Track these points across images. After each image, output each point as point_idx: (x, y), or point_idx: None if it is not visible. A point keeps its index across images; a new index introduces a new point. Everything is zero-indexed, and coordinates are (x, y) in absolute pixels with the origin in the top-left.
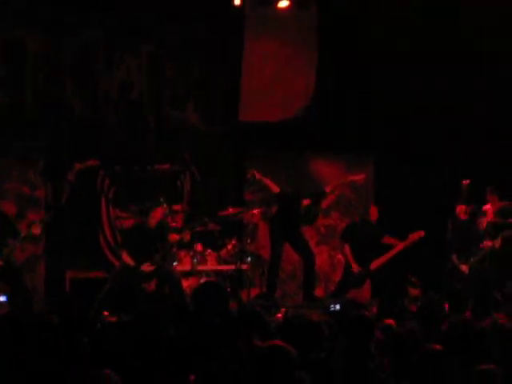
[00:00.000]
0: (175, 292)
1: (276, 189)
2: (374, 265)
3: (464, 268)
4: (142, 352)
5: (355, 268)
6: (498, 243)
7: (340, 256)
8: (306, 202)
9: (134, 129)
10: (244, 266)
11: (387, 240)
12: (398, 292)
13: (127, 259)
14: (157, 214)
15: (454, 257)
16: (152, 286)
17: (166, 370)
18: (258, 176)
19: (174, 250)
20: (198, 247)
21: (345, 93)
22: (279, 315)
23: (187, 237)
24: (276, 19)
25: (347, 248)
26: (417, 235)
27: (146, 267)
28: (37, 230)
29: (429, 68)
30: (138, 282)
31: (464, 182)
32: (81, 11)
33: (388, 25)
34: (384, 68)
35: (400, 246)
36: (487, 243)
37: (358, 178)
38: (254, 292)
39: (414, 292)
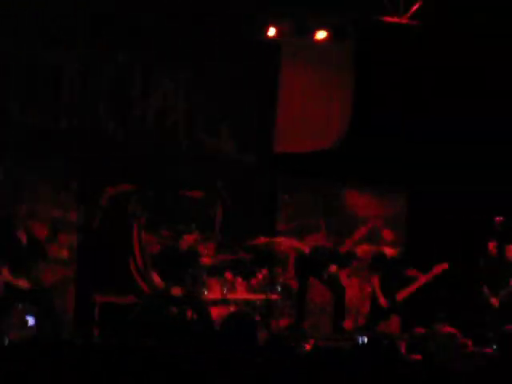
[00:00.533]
0: (202, 319)
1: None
2: (400, 296)
3: (494, 301)
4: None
5: (382, 301)
6: None
7: (370, 288)
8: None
9: (168, 154)
10: (274, 296)
11: (410, 273)
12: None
13: (157, 281)
14: (188, 240)
15: (486, 289)
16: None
17: None
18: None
19: (205, 277)
20: (228, 275)
21: (381, 124)
22: (308, 346)
23: (218, 262)
24: (312, 49)
25: (376, 280)
26: (440, 268)
27: (175, 291)
28: (65, 253)
29: (465, 102)
30: (167, 306)
31: (497, 218)
32: (117, 35)
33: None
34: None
35: (423, 279)
36: None
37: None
38: (284, 322)
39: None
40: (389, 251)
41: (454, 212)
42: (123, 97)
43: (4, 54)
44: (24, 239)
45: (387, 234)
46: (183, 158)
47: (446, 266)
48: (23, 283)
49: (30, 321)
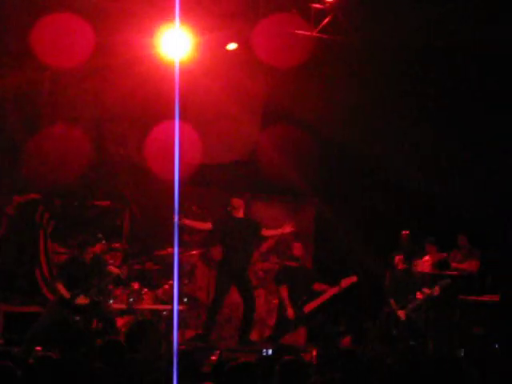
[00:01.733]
0: (108, 329)
1: (207, 225)
2: (307, 308)
3: (401, 314)
4: None
5: (290, 312)
6: (436, 291)
7: (276, 301)
8: None
9: (75, 164)
10: (180, 307)
11: (317, 287)
12: (331, 339)
13: (62, 291)
14: (95, 251)
15: (392, 302)
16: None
17: None
18: (186, 221)
19: (111, 286)
20: (135, 286)
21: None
22: (213, 357)
23: (125, 272)
24: (224, 60)
25: (284, 291)
26: (349, 280)
27: (81, 301)
28: None
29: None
30: (72, 315)
31: (404, 232)
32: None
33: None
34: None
35: (332, 291)
36: (425, 291)
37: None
38: (189, 334)
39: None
40: (293, 264)
41: (363, 224)
42: (32, 105)
43: None
44: None
45: (297, 248)
46: (92, 168)
47: (354, 279)
48: None
49: None
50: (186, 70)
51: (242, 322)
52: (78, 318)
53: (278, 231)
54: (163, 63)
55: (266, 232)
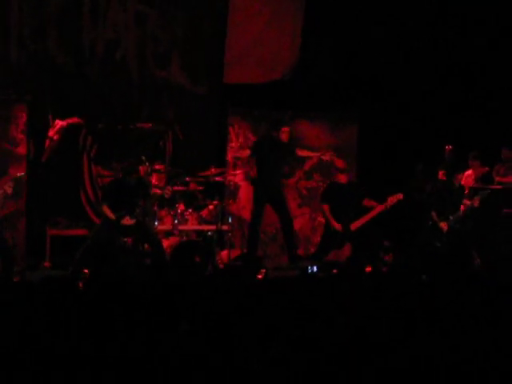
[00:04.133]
0: (155, 249)
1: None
2: (354, 226)
3: (443, 225)
4: (121, 308)
5: (337, 226)
6: (476, 202)
7: (321, 218)
8: None
9: (118, 86)
10: (225, 227)
11: (367, 202)
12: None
13: (108, 212)
14: (139, 172)
15: (434, 214)
16: (131, 241)
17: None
18: None
19: (155, 208)
20: (180, 207)
21: (331, 53)
22: (259, 276)
23: (169, 192)
24: None
25: (326, 208)
26: (395, 198)
27: (127, 222)
28: (9, 190)
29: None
30: (118, 236)
31: (447, 147)
32: None
33: None
34: (371, 26)
35: (379, 208)
36: (466, 202)
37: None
38: (235, 253)
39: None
40: (342, 178)
41: (405, 141)
42: (73, 27)
43: None
44: None
45: (339, 163)
46: (133, 90)
47: (400, 196)
48: None
49: None
50: None
51: (285, 240)
52: (124, 239)
53: (315, 154)
54: None
55: (300, 152)
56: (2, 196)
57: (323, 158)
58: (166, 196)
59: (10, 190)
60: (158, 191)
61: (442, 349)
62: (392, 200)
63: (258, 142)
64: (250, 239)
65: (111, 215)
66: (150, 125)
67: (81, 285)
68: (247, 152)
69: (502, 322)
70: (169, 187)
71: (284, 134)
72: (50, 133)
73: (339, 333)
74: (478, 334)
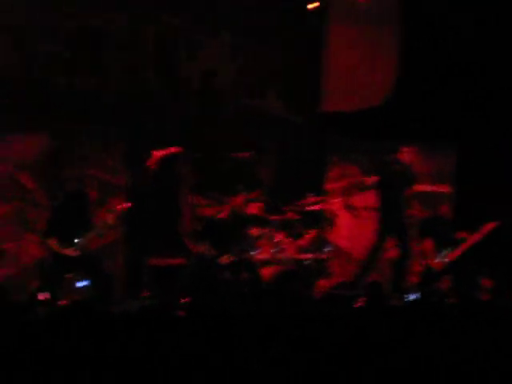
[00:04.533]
0: (254, 278)
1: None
2: (451, 257)
3: None
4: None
5: (436, 264)
6: None
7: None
8: None
9: (214, 116)
10: (323, 256)
11: (459, 234)
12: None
13: (206, 250)
14: (236, 202)
15: None
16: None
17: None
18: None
19: (254, 238)
20: (278, 236)
21: (429, 79)
22: (359, 304)
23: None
24: (358, 4)
25: (428, 242)
26: (490, 227)
27: (224, 260)
28: (111, 220)
29: None
30: (217, 270)
31: None
32: None
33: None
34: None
35: (473, 239)
36: None
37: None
38: (333, 281)
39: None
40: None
41: (504, 168)
42: (169, 60)
43: (51, 17)
44: (72, 206)
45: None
46: (230, 120)
47: (494, 224)
48: (70, 252)
49: (81, 286)
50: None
51: (395, 270)
52: (221, 275)
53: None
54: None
55: (419, 187)
56: (102, 226)
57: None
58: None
59: (111, 221)
60: (255, 232)
61: None
62: (487, 229)
63: (380, 167)
64: (362, 271)
65: (209, 253)
66: (248, 154)
67: (181, 313)
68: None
69: None
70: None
71: (404, 155)
72: (149, 162)
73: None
74: None
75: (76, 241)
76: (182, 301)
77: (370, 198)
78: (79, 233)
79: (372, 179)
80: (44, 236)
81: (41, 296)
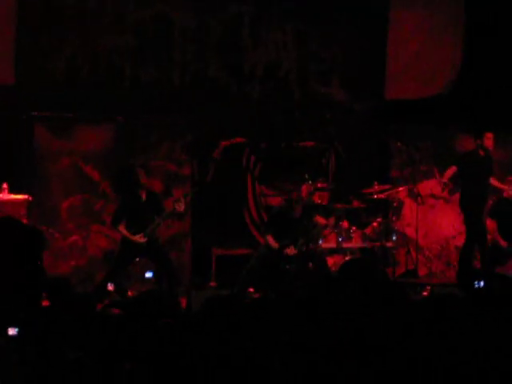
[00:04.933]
0: (320, 269)
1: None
2: None
3: None
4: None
5: (503, 243)
6: None
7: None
8: None
9: (279, 105)
10: (389, 244)
11: None
12: None
13: (271, 241)
14: (302, 192)
15: None
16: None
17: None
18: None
19: (320, 228)
20: (344, 224)
21: (492, 64)
22: (425, 293)
23: (332, 222)
24: None
25: (492, 224)
26: None
27: (290, 251)
28: (180, 207)
29: None
30: (282, 262)
31: None
32: None
33: None
34: None
35: None
36: None
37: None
38: (399, 270)
39: None
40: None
41: None
42: (233, 49)
43: (116, 10)
44: (142, 195)
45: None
46: (295, 108)
47: None
48: (140, 239)
49: (148, 274)
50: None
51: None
52: (287, 266)
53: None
54: None
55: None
56: (169, 215)
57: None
58: (330, 226)
59: (181, 208)
60: (322, 221)
61: None
62: None
63: (463, 156)
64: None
65: (275, 245)
66: (313, 143)
67: (247, 302)
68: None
69: None
70: (332, 219)
71: (488, 141)
72: (215, 153)
73: None
74: None
75: (145, 228)
76: (250, 291)
77: (435, 186)
78: (148, 220)
79: (451, 170)
80: (113, 223)
81: (110, 287)
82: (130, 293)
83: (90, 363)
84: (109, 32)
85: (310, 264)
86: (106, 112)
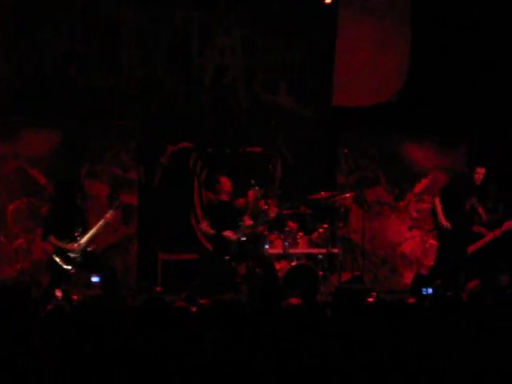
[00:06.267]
0: (268, 273)
1: None
2: (469, 251)
3: None
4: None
5: (445, 223)
6: None
7: (432, 241)
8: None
9: (226, 111)
10: (335, 250)
11: (476, 229)
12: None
13: (207, 228)
14: (249, 197)
15: None
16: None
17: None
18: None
19: (266, 232)
20: (290, 230)
21: (438, 73)
22: (371, 299)
23: (272, 214)
24: (370, 1)
25: (439, 203)
26: (509, 224)
27: (228, 234)
28: (109, 217)
29: None
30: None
31: None
32: None
33: None
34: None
35: (492, 234)
36: None
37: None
38: (345, 276)
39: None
40: None
41: None
42: (181, 54)
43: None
44: (78, 201)
45: None
46: (242, 114)
47: None
48: (72, 247)
49: (95, 279)
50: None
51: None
52: (227, 257)
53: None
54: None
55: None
56: (103, 225)
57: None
58: (271, 216)
59: (109, 217)
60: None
61: None
62: (507, 225)
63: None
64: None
65: (211, 231)
66: (260, 149)
67: (194, 309)
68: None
69: None
70: (276, 210)
71: (478, 176)
72: (162, 158)
73: None
74: None
75: (77, 236)
76: (195, 296)
77: (381, 193)
78: (78, 228)
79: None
80: (44, 235)
81: (58, 293)
82: (75, 297)
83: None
84: (56, 35)
85: (258, 269)
86: (52, 116)
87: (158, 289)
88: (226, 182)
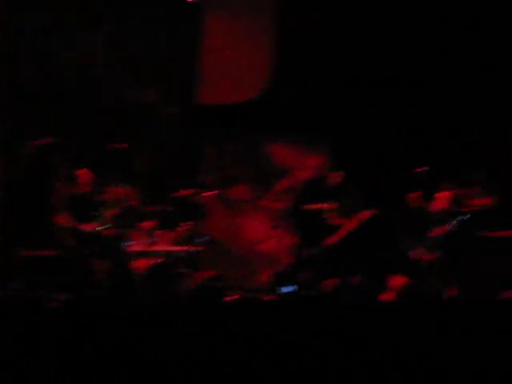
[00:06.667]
0: (124, 271)
1: None
2: (327, 244)
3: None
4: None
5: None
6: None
7: (293, 239)
8: None
9: (90, 106)
10: (197, 248)
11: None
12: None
13: (63, 221)
14: (112, 193)
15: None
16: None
17: None
18: None
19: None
20: (150, 227)
21: (304, 72)
22: (233, 297)
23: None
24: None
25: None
26: (365, 215)
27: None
28: None
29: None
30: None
31: (421, 169)
32: None
33: None
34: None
35: (348, 226)
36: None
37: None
38: (207, 274)
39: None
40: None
41: (379, 161)
42: (45, 50)
43: None
44: None
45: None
46: (106, 110)
47: (369, 213)
48: None
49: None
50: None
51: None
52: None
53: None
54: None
55: None
56: None
57: None
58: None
59: None
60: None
61: None
62: (362, 216)
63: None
64: None
65: (69, 223)
66: (122, 144)
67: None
68: None
69: None
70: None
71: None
72: (21, 152)
73: None
74: None
75: None
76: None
77: (245, 191)
78: None
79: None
80: None
81: None
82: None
83: None
84: None
85: (116, 266)
86: None
87: (16, 286)
88: (85, 175)
